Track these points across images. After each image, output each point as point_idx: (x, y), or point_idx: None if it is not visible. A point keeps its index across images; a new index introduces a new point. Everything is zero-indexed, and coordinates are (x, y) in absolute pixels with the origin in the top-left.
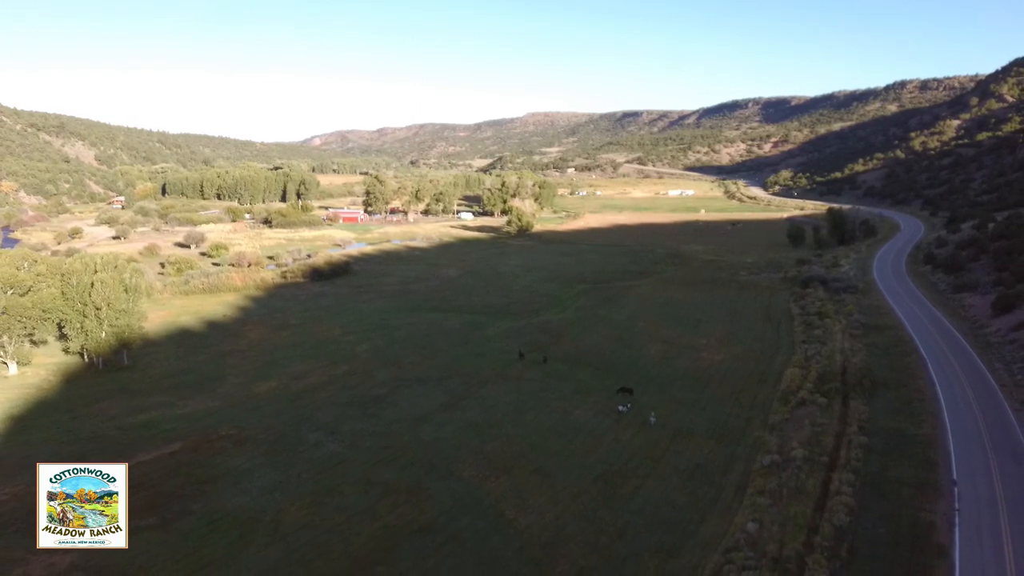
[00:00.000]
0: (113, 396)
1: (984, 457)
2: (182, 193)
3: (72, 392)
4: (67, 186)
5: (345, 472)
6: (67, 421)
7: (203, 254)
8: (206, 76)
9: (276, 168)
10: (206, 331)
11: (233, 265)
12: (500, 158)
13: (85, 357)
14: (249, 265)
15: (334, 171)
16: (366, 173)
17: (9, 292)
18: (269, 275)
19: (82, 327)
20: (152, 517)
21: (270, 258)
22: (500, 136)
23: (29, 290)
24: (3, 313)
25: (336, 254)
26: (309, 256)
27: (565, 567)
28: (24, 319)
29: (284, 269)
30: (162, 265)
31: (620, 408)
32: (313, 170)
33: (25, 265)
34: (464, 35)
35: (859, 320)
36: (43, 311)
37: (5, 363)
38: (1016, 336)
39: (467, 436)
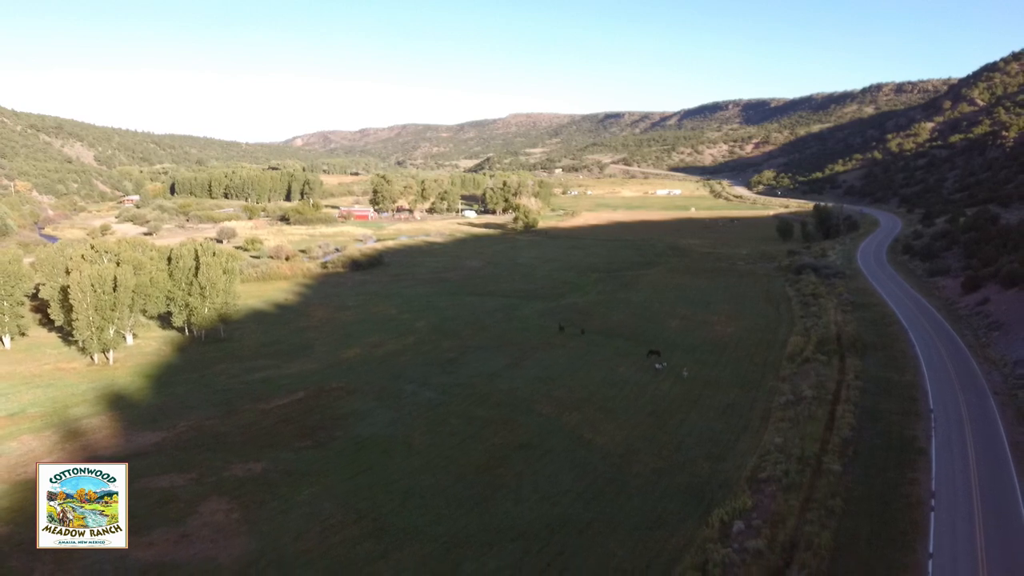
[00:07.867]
0: (225, 360)
1: (954, 394)
2: (191, 192)
3: (188, 358)
4: (75, 186)
5: (447, 411)
6: (198, 379)
7: (238, 248)
8: (187, 76)
9: (273, 168)
10: (277, 312)
11: (272, 257)
12: (487, 159)
13: (187, 331)
14: (287, 258)
15: (324, 171)
16: (356, 173)
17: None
18: (313, 265)
19: (187, 304)
20: (307, 441)
21: (302, 251)
22: (483, 137)
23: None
24: (133, 291)
25: (365, 248)
26: (337, 250)
27: (640, 468)
28: (144, 296)
29: (325, 260)
30: None
31: (657, 366)
32: (304, 170)
33: (141, 250)
34: (445, 35)
35: (848, 299)
36: (158, 290)
37: (123, 335)
38: (981, 309)
39: (536, 386)
